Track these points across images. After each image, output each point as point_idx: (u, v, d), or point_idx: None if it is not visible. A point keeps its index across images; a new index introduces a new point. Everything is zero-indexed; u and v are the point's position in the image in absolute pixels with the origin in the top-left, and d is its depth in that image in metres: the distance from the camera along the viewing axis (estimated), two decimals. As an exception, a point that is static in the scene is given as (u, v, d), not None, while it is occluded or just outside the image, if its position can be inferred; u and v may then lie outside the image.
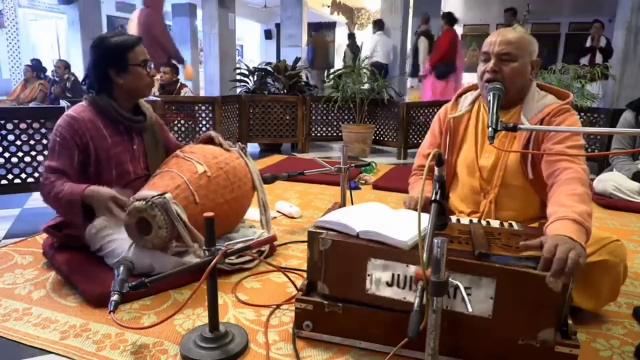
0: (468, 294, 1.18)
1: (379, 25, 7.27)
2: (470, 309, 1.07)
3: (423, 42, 6.65)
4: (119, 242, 1.76)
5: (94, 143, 1.80)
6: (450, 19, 6.31)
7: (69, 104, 2.79)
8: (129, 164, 1.89)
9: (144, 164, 1.96)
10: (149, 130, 2.00)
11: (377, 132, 5.01)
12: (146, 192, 1.71)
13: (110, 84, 1.83)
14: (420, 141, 4.65)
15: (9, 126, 2.58)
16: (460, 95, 1.78)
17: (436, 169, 1.18)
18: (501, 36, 1.53)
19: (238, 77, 5.38)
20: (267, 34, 9.10)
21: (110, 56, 1.81)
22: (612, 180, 3.09)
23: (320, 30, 8.68)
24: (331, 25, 8.80)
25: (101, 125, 1.83)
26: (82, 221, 1.74)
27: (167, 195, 1.65)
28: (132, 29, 5.09)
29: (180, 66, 5.09)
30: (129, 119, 1.89)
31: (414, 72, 7.17)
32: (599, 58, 6.31)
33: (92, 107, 1.84)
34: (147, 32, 4.81)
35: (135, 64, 1.83)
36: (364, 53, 6.55)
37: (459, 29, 13.34)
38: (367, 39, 7.11)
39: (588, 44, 6.52)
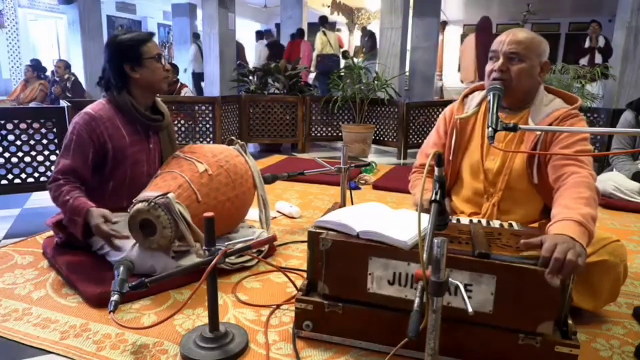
0: (469, 291, 1.19)
1: (260, 35, 8.96)
2: (470, 310, 1.07)
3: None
4: (121, 241, 1.75)
5: (112, 142, 1.81)
6: (296, 32, 8.51)
7: (69, 104, 2.79)
8: (144, 163, 1.89)
9: (159, 164, 1.96)
10: (165, 130, 2.00)
11: (377, 132, 5.00)
12: (148, 193, 1.70)
13: (127, 80, 1.84)
14: (420, 141, 4.65)
15: (9, 126, 2.58)
16: (466, 96, 1.74)
17: (436, 169, 1.18)
18: (511, 35, 1.51)
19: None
20: (259, 35, 9.03)
21: (124, 51, 1.82)
22: (612, 180, 3.09)
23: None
24: (331, 25, 8.82)
25: (119, 123, 1.84)
26: (82, 237, 1.73)
27: (170, 195, 1.65)
28: (468, 53, 5.62)
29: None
30: (147, 117, 1.89)
31: None
32: (598, 58, 6.32)
33: (110, 105, 1.84)
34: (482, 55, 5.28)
35: (149, 57, 1.84)
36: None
37: (459, 29, 13.34)
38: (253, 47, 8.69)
39: (587, 44, 6.53)
